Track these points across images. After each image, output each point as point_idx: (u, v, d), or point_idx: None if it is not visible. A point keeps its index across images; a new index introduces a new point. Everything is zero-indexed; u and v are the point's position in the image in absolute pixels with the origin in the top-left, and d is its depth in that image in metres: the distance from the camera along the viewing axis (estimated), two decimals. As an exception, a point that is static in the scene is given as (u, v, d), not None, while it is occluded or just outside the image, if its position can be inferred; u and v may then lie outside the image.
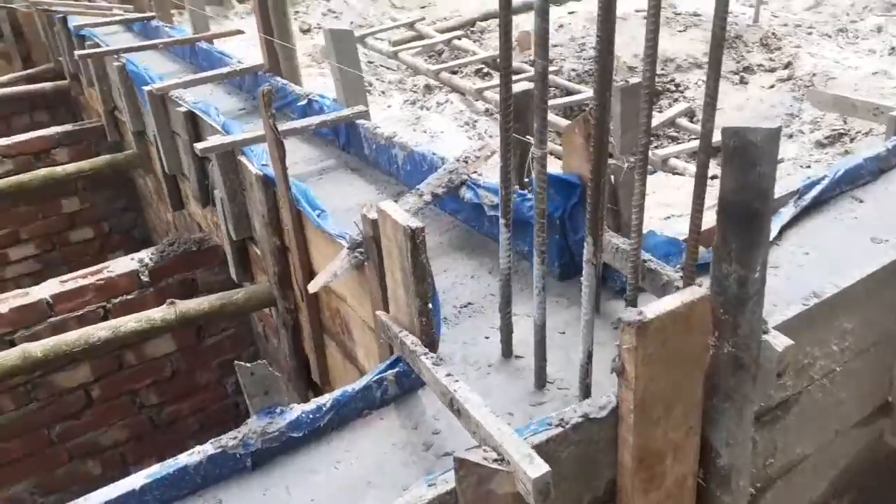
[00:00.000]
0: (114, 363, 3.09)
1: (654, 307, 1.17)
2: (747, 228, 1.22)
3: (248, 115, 3.27)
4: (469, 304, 1.81)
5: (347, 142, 2.72)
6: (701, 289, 1.24)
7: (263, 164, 2.31)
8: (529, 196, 1.84)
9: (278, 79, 3.18)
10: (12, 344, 2.82)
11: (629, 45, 5.61)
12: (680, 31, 5.90)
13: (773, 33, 5.69)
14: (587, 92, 5.00)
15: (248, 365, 1.33)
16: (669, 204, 3.46)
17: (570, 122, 4.57)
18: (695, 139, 4.48)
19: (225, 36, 4.06)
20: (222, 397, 3.57)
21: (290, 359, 2.63)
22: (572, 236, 1.80)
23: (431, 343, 1.52)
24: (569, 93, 5.10)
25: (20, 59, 6.47)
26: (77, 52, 3.77)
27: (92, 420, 3.11)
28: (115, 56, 3.75)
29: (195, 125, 2.90)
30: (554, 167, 1.72)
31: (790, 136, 4.40)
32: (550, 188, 1.82)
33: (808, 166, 3.80)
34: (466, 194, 2.04)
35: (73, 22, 4.93)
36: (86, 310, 2.99)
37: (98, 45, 4.23)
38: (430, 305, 1.50)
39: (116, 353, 2.95)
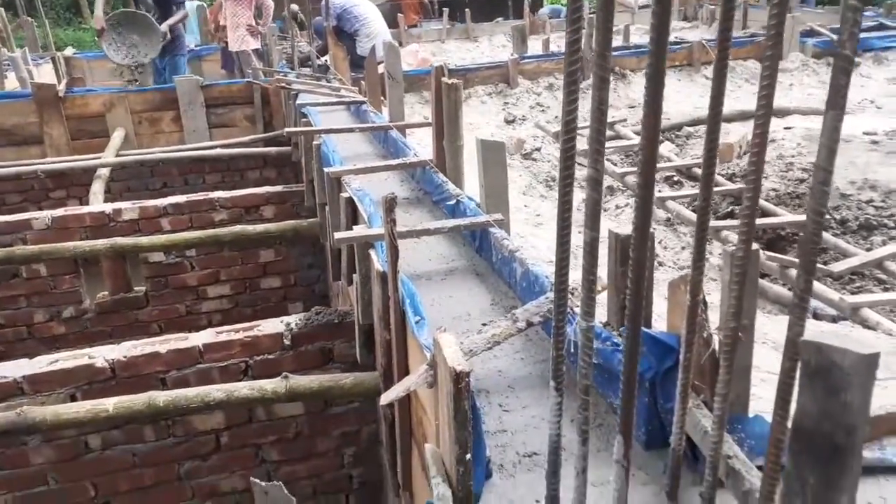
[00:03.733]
0: (245, 415, 3.30)
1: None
2: (828, 465, 0.98)
3: (410, 205, 3.43)
4: (534, 454, 1.65)
5: (480, 246, 2.72)
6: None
7: (386, 261, 2.38)
8: (621, 349, 1.66)
9: (440, 176, 3.30)
10: (164, 382, 3.15)
11: (847, 169, 5.01)
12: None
13: None
14: (786, 216, 4.52)
15: (264, 484, 1.33)
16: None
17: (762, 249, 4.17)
18: (908, 290, 3.82)
19: (414, 126, 4.33)
20: (338, 466, 3.64)
21: (386, 452, 2.62)
22: (662, 403, 1.59)
23: (467, 496, 1.41)
24: (765, 214, 4.66)
25: (262, 122, 7.48)
26: (286, 130, 4.26)
27: (217, 464, 3.34)
28: (318, 136, 4.19)
29: (354, 210, 3.09)
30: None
31: None
32: (644, 346, 1.64)
33: None
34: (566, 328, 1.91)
35: (301, 99, 5.62)
36: (229, 362, 3.24)
37: (309, 123, 4.74)
38: (470, 455, 1.40)
39: (249, 406, 3.14)
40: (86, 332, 5.24)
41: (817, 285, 3.69)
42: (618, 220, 4.75)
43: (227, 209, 5.47)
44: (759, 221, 4.52)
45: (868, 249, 4.18)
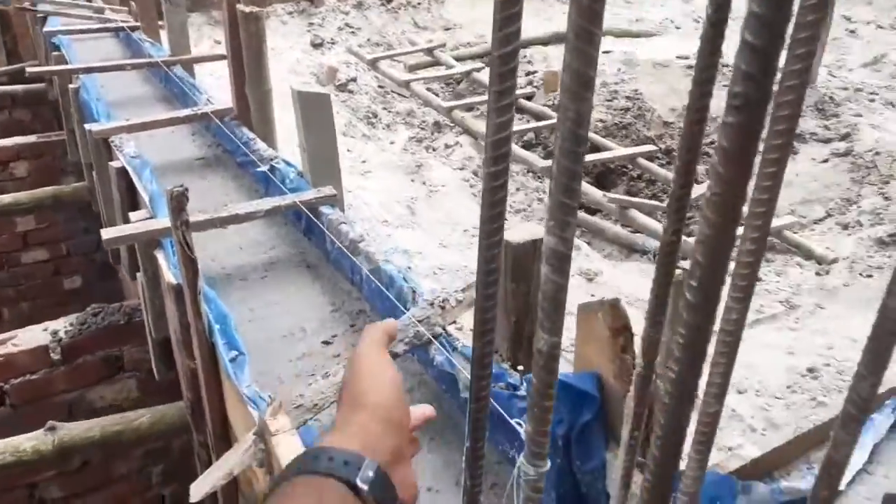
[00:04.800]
0: (7, 458, 2.53)
1: None
2: None
3: (206, 168, 2.72)
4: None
5: (308, 228, 2.15)
6: None
7: (181, 271, 1.75)
8: (522, 392, 1.26)
9: (246, 130, 2.63)
10: None
11: (668, 96, 5.02)
12: (726, 87, 5.30)
13: (831, 97, 5.07)
14: (618, 150, 4.41)
15: None
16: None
17: (599, 192, 3.98)
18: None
19: (204, 60, 3.52)
20: (145, 488, 3.01)
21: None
22: (580, 464, 1.23)
23: None
24: (594, 148, 4.51)
25: (5, 52, 5.98)
26: (28, 70, 3.24)
27: (-25, 523, 2.57)
28: (76, 76, 3.24)
29: (131, 186, 2.34)
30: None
31: (845, 228, 3.78)
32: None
33: (870, 275, 3.18)
34: (437, 356, 1.47)
35: (51, 25, 4.42)
36: (-23, 392, 2.44)
37: (63, 57, 3.70)
38: None
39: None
40: None
41: (654, 224, 3.61)
42: (449, 160, 4.35)
43: (-38, 169, 4.27)
44: (589, 157, 4.35)
45: (696, 179, 4.20)
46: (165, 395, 2.55)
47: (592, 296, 2.67)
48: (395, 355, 1.47)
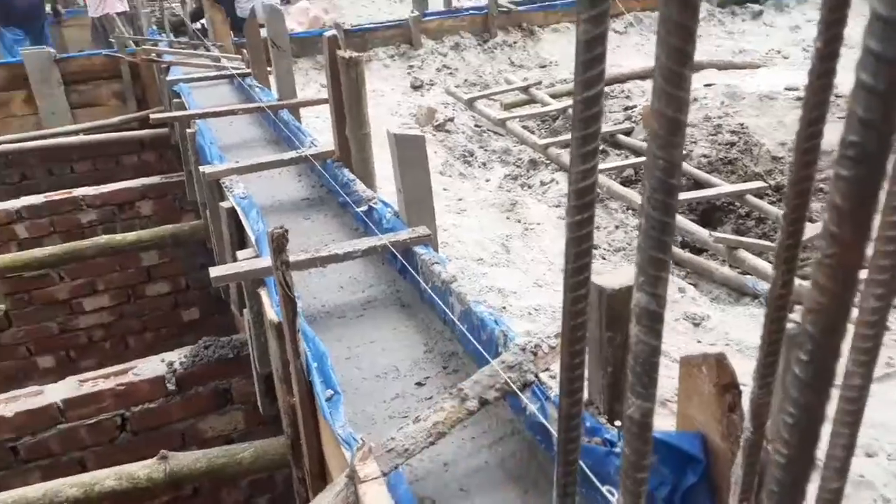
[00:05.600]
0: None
1: None
2: None
3: (311, 208, 2.85)
4: None
5: (403, 267, 2.19)
6: None
7: (281, 309, 1.82)
8: (619, 449, 1.22)
9: (346, 172, 2.73)
10: (14, 452, 2.50)
11: (776, 130, 4.79)
12: (840, 119, 5.00)
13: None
14: (723, 186, 4.24)
15: None
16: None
17: (705, 231, 3.80)
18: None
19: (309, 105, 3.70)
20: (252, 518, 3.11)
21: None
22: (681, 529, 1.16)
23: None
24: (697, 184, 4.36)
25: (135, 100, 6.54)
26: (152, 117, 3.54)
27: (95, 543, 2.73)
28: (193, 121, 3.49)
29: (239, 224, 2.48)
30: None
31: None
32: (654, 454, 1.18)
33: None
34: (531, 406, 1.44)
35: (173, 74, 4.82)
36: (101, 417, 2.63)
37: (183, 104, 4.01)
38: None
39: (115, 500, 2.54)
40: (-70, 365, 4.38)
41: (765, 265, 3.41)
42: (545, 197, 4.33)
43: (96, 208, 4.67)
44: (693, 195, 4.21)
45: (809, 218, 3.95)
46: (269, 429, 2.65)
47: (699, 342, 2.55)
48: (485, 402, 1.46)
